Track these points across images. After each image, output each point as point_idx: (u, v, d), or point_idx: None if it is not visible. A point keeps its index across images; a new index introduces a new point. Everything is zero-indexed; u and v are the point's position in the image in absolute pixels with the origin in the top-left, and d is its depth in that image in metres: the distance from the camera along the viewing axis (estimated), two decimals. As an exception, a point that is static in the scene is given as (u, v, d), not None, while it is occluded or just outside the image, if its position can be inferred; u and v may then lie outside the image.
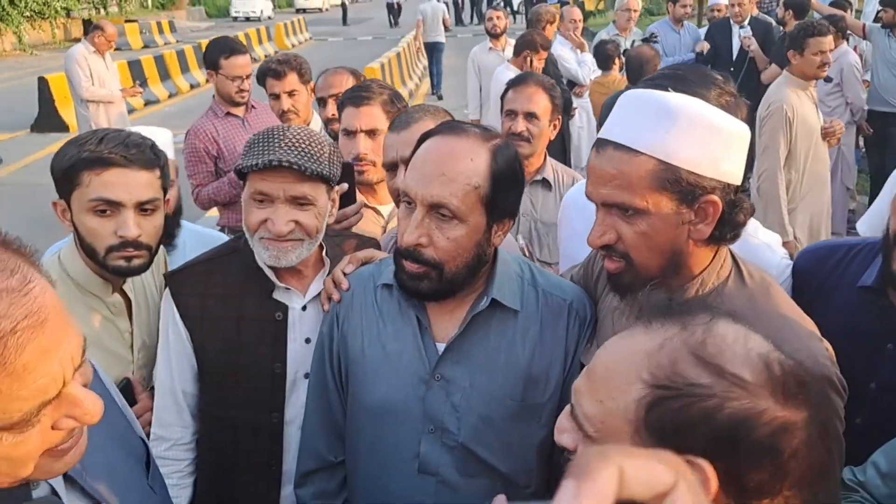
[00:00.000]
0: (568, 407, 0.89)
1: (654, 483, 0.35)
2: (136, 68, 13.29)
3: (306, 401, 1.64)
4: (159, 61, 14.61)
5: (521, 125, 2.77)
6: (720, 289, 1.31)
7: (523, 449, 1.47)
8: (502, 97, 2.93)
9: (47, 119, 11.16)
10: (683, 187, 1.20)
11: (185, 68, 15.53)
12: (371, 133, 2.25)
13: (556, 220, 2.74)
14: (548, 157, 2.93)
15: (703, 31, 7.19)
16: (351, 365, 1.53)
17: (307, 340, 1.69)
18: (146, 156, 1.66)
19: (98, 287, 1.74)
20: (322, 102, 3.10)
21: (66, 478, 0.96)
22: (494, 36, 6.59)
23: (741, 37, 6.35)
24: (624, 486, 0.34)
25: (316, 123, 3.47)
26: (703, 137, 1.20)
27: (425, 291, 1.42)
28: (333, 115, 2.89)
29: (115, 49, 19.51)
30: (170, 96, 14.25)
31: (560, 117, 2.91)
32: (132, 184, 1.63)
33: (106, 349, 1.73)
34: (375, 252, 1.74)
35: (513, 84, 2.92)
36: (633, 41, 6.32)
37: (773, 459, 0.74)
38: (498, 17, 6.65)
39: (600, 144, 1.27)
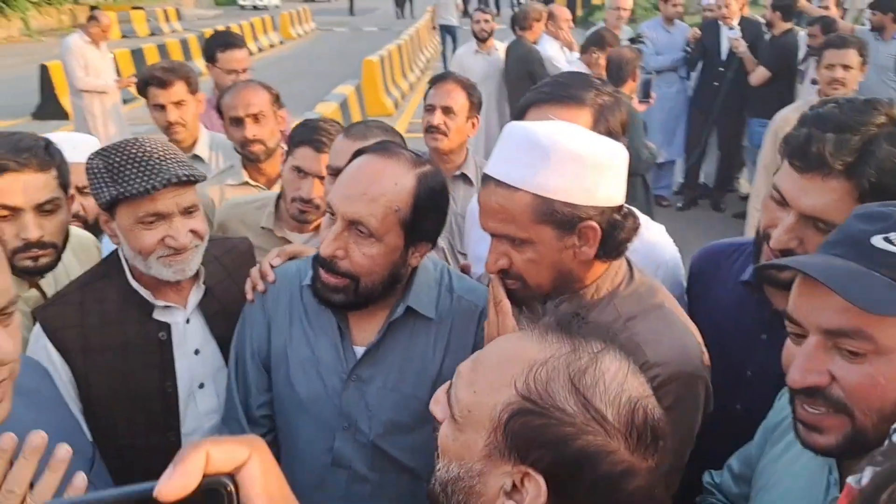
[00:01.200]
0: (449, 382, 0.96)
1: (232, 458, 0.47)
2: (138, 57, 13.37)
3: (227, 380, 1.67)
4: (162, 50, 14.70)
5: (438, 118, 2.93)
6: (614, 293, 1.40)
7: (430, 448, 1.53)
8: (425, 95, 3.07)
9: (48, 107, 11.25)
10: (561, 217, 1.29)
11: (187, 57, 15.57)
12: (323, 179, 2.20)
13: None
14: (470, 154, 3.08)
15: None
16: (274, 357, 1.59)
17: (196, 352, 1.72)
18: (39, 157, 1.68)
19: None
20: (236, 122, 2.74)
21: None
22: (482, 39, 6.50)
23: (729, 38, 6.36)
24: (210, 462, 0.46)
25: (204, 139, 3.21)
26: (575, 170, 1.28)
27: (339, 302, 1.48)
28: (255, 136, 2.70)
29: (122, 36, 19.48)
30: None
31: (478, 116, 3.05)
32: (28, 187, 1.66)
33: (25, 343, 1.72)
34: (304, 248, 1.78)
35: (434, 81, 3.08)
36: (621, 41, 6.34)
37: (609, 497, 0.82)
38: (486, 20, 6.52)
39: (485, 179, 1.36)
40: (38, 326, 1.64)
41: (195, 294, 1.73)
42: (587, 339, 0.88)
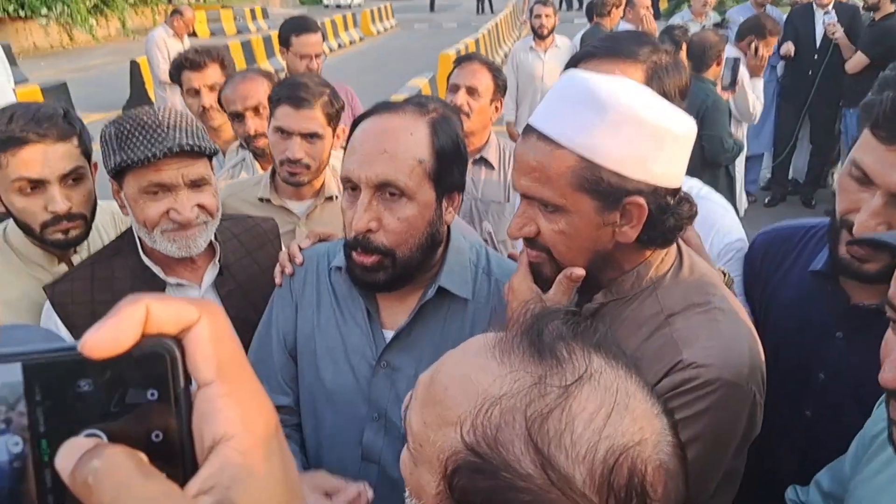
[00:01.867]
0: (414, 391, 0.80)
1: (178, 317, 0.37)
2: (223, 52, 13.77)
3: (256, 350, 1.58)
4: (246, 47, 15.08)
5: (461, 98, 2.81)
6: (657, 283, 1.22)
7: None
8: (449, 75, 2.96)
9: (138, 100, 11.68)
10: (605, 188, 1.12)
11: (270, 53, 15.95)
12: (310, 137, 2.15)
13: (499, 198, 2.72)
14: (493, 136, 2.93)
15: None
16: (301, 343, 1.50)
17: None
18: (59, 126, 1.64)
19: (42, 258, 1.75)
20: (237, 117, 2.61)
21: None
22: (540, 36, 5.84)
23: (825, 23, 5.95)
24: (151, 320, 0.37)
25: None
26: (632, 135, 1.10)
27: (381, 283, 1.37)
28: (256, 131, 2.58)
29: (210, 34, 20.16)
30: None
31: (502, 100, 2.93)
32: (51, 158, 1.61)
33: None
34: (334, 231, 1.70)
35: (459, 62, 2.97)
36: (704, 26, 6.03)
37: None
38: (547, 16, 5.82)
39: (526, 130, 1.20)
40: (47, 302, 1.61)
41: (210, 273, 1.67)
42: (563, 361, 0.66)
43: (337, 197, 2.24)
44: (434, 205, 1.35)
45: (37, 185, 1.63)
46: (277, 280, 1.57)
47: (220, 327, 0.39)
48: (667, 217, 1.15)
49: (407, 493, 0.76)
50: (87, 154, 1.71)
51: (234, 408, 0.37)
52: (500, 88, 2.91)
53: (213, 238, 1.66)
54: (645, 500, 0.63)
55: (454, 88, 2.87)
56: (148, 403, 0.37)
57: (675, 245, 1.25)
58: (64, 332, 1.57)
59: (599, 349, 0.69)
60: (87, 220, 1.72)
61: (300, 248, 1.58)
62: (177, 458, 0.37)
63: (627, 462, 0.62)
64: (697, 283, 1.22)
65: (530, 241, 1.22)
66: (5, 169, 1.61)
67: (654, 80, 1.46)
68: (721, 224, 1.63)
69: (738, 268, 1.59)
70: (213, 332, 0.38)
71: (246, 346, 1.62)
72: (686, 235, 1.27)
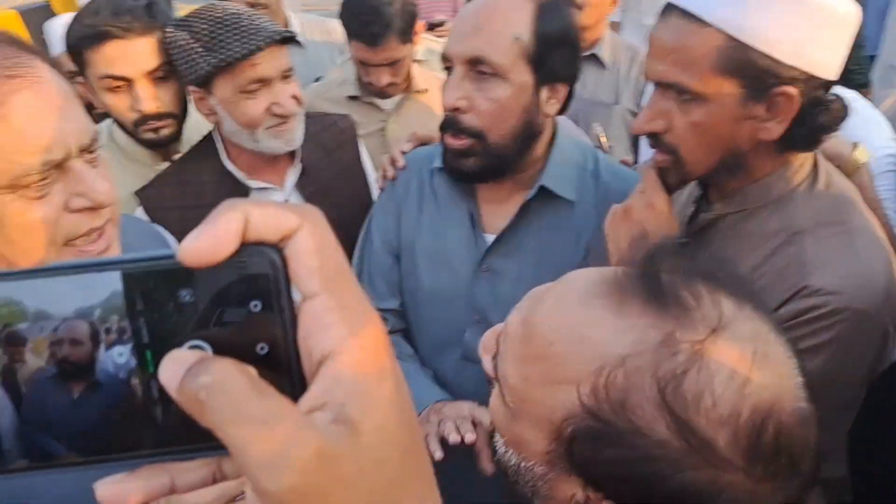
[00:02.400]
0: (501, 327, 0.72)
1: (279, 224, 0.35)
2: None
3: (353, 264, 1.57)
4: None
5: None
6: (786, 198, 1.09)
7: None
8: None
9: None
10: (753, 72, 0.99)
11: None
12: (390, 65, 2.03)
13: (608, 100, 2.54)
14: (608, 32, 2.67)
15: None
16: (404, 247, 1.49)
17: None
18: (142, 20, 1.54)
19: (145, 156, 1.70)
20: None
21: None
22: None
23: None
24: (250, 227, 0.34)
25: (294, 22, 2.73)
26: (789, 12, 0.97)
27: (471, 169, 1.31)
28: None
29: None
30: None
31: None
32: (133, 54, 1.54)
33: None
34: (435, 134, 1.64)
35: None
36: None
37: None
38: None
39: (666, 10, 1.07)
40: (140, 208, 1.58)
41: (292, 173, 1.64)
42: (691, 309, 0.58)
43: (427, 90, 2.16)
44: (532, 90, 1.27)
45: (122, 82, 1.57)
46: (380, 184, 1.55)
47: (322, 235, 0.36)
48: (818, 113, 1.02)
49: (498, 438, 0.72)
50: None
51: (342, 322, 0.34)
52: None
53: None
54: (792, 456, 0.57)
55: None
56: (252, 314, 0.36)
57: (812, 156, 1.12)
58: None
59: (724, 288, 0.60)
60: (179, 117, 1.67)
61: (402, 153, 1.54)
62: (284, 372, 0.36)
63: (773, 419, 0.56)
64: (833, 200, 1.09)
65: (656, 140, 1.11)
66: (92, 66, 1.56)
67: None
68: (872, 135, 1.47)
69: (891, 183, 1.43)
70: (316, 241, 0.35)
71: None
72: (827, 144, 1.14)
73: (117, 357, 0.35)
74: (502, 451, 0.70)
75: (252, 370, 0.34)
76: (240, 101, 1.47)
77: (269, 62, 1.44)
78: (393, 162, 1.54)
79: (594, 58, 2.63)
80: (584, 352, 0.60)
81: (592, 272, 0.65)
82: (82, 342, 0.35)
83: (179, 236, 1.55)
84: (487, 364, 0.74)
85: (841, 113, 1.05)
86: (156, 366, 0.35)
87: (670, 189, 1.15)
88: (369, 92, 2.14)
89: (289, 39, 1.48)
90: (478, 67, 1.24)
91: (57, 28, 2.16)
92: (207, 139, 1.63)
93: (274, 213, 0.35)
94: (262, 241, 0.35)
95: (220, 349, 0.35)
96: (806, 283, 1.01)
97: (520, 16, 1.24)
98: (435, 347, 1.48)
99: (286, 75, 1.49)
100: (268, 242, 0.35)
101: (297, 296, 0.36)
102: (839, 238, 1.05)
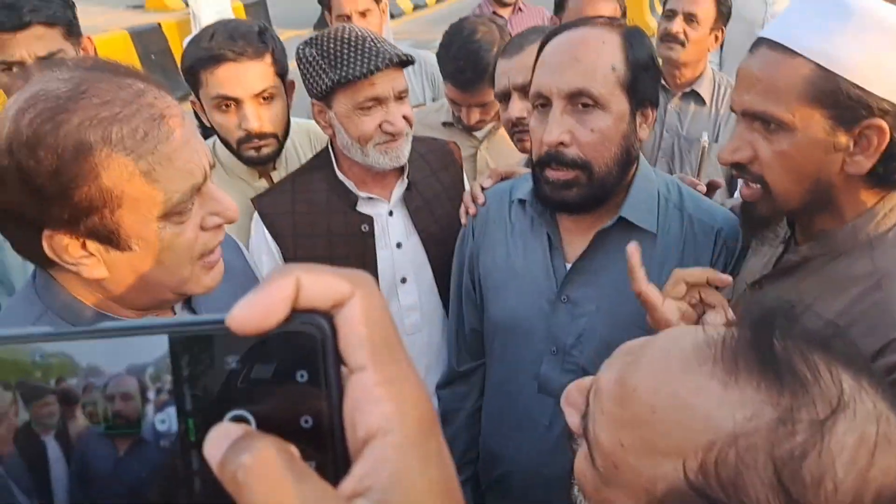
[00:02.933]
0: (588, 383, 0.70)
1: (330, 292, 0.34)
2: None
3: (450, 314, 1.67)
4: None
5: (677, 25, 2.55)
6: (877, 239, 1.06)
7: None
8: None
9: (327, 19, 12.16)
10: (843, 103, 0.98)
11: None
12: (481, 106, 2.11)
13: (705, 137, 2.50)
14: (708, 68, 2.65)
15: None
16: (483, 279, 1.53)
17: (398, 245, 1.70)
18: (254, 45, 1.66)
19: (245, 172, 1.84)
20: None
21: None
22: None
23: None
24: (302, 294, 0.34)
25: None
26: (881, 42, 0.96)
27: (574, 201, 1.32)
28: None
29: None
30: (437, 0, 14.72)
31: (723, 29, 2.60)
32: (244, 77, 1.66)
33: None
34: (516, 168, 1.69)
35: None
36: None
37: None
38: None
39: (755, 44, 1.08)
40: (256, 213, 1.71)
41: (399, 187, 1.72)
42: (808, 384, 0.54)
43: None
44: (628, 117, 1.29)
45: (232, 102, 1.69)
46: (463, 220, 1.60)
47: (374, 304, 0.35)
48: None
49: (581, 497, 0.69)
50: (281, 73, 1.76)
51: (390, 398, 0.33)
52: (723, 16, 2.64)
53: None
54: None
55: (670, 14, 2.63)
56: (298, 385, 0.35)
57: None
58: (270, 239, 1.70)
59: (840, 359, 0.56)
60: (279, 138, 1.78)
61: (482, 188, 1.59)
62: (327, 447, 0.34)
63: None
64: None
65: (743, 170, 1.11)
66: (205, 87, 1.69)
67: None
68: None
69: None
70: (368, 311, 0.34)
71: (432, 262, 1.71)
72: None
73: (160, 423, 0.35)
74: None
75: (294, 449, 0.33)
76: (355, 116, 1.58)
77: (385, 83, 1.55)
78: (474, 198, 1.59)
79: (694, 94, 2.63)
80: (691, 423, 0.56)
81: (696, 332, 0.62)
82: (131, 400, 0.34)
83: (290, 240, 1.68)
84: (573, 420, 0.71)
85: None
86: (197, 434, 0.34)
87: (760, 223, 1.14)
88: (461, 121, 2.22)
89: (406, 63, 1.58)
90: (579, 100, 1.26)
91: None
92: (321, 154, 1.75)
93: (326, 279, 0.34)
94: (313, 309, 0.34)
95: (264, 420, 0.34)
96: (891, 337, 0.98)
97: (611, 46, 1.27)
98: (510, 378, 1.49)
99: (400, 96, 1.59)
100: (319, 310, 0.34)
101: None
102: None
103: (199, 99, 1.75)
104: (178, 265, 0.93)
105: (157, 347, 0.34)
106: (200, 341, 0.35)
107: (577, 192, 1.31)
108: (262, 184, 1.88)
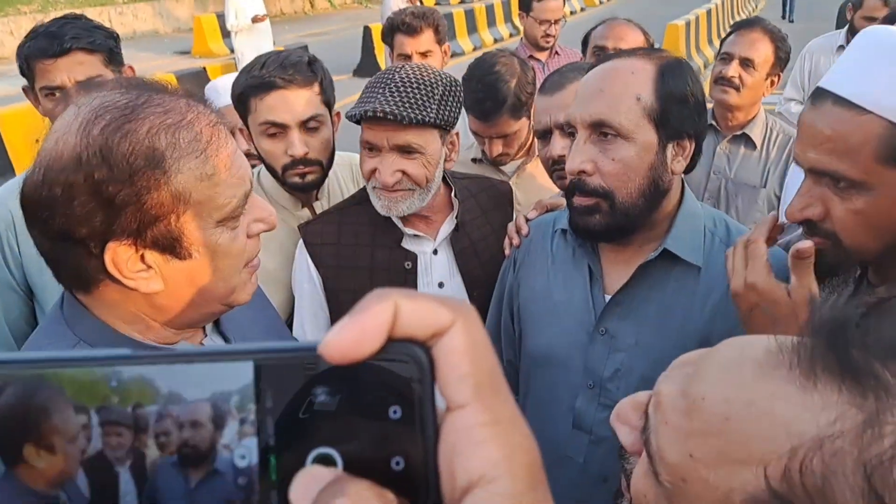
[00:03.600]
0: (644, 398, 0.68)
1: (430, 320, 0.31)
2: (447, 21, 14.20)
3: (486, 323, 1.64)
4: (469, 15, 15.38)
5: (733, 70, 2.53)
6: None
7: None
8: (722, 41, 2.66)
9: (368, 64, 12.45)
10: None
11: (491, 22, 16.16)
12: (504, 138, 2.13)
13: (754, 181, 2.49)
14: (761, 112, 2.62)
15: None
16: (522, 310, 1.50)
17: (440, 285, 1.67)
18: (303, 74, 1.69)
19: (287, 201, 1.85)
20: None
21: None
22: (854, 32, 3.85)
23: None
24: (399, 322, 0.31)
25: None
26: None
27: (597, 227, 1.30)
28: None
29: (436, 3, 20.99)
30: (474, 49, 14.97)
31: (780, 74, 2.59)
32: (293, 104, 1.68)
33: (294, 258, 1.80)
34: (561, 200, 1.64)
35: (737, 27, 2.63)
36: None
37: None
38: (876, 9, 3.75)
39: (817, 96, 1.05)
40: (301, 241, 1.72)
41: (446, 227, 1.70)
42: (890, 387, 0.52)
43: None
44: (657, 148, 1.26)
45: (279, 128, 1.71)
46: (507, 252, 1.59)
47: (476, 336, 0.32)
48: None
49: None
50: (327, 103, 1.78)
51: (496, 442, 0.30)
52: (781, 61, 2.62)
53: (453, 195, 1.71)
54: None
55: (727, 58, 2.62)
56: (390, 423, 0.32)
57: None
58: (313, 268, 1.69)
59: None
60: (324, 166, 1.79)
61: (527, 220, 1.58)
62: (420, 493, 0.31)
63: None
64: None
65: (811, 226, 1.08)
66: (254, 113, 1.71)
67: None
68: None
69: None
70: (470, 343, 0.31)
71: (473, 304, 1.66)
72: None
73: (239, 458, 0.32)
74: None
75: (391, 496, 0.30)
76: (362, 153, 1.59)
77: (379, 132, 1.52)
78: (518, 230, 1.57)
79: (745, 137, 2.61)
80: (770, 430, 0.55)
81: (766, 339, 0.60)
82: (207, 431, 0.32)
83: (332, 271, 1.66)
84: (626, 438, 0.69)
85: None
86: (279, 473, 0.32)
87: (827, 272, 1.10)
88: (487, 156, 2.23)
89: (411, 122, 1.51)
90: (601, 130, 1.25)
91: (220, 85, 2.39)
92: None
93: (426, 306, 0.32)
94: (410, 338, 0.32)
95: (352, 461, 0.32)
96: None
97: (641, 77, 1.25)
98: (544, 412, 1.44)
99: (405, 150, 1.53)
100: (416, 340, 0.32)
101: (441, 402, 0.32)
102: None
103: (247, 126, 1.77)
104: (232, 272, 0.94)
105: (241, 375, 0.32)
106: (288, 369, 0.32)
107: (599, 219, 1.29)
108: (305, 213, 1.88)
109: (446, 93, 1.53)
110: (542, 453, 1.09)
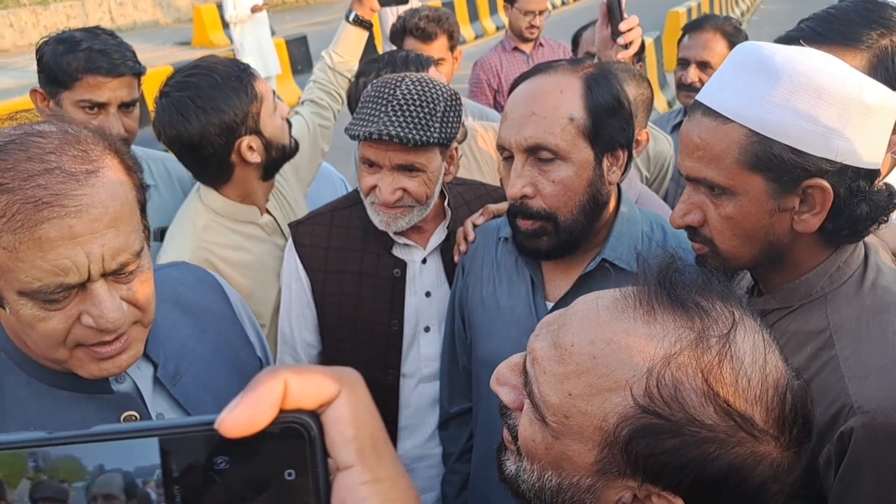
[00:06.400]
0: (519, 359, 0.78)
1: (317, 392, 0.36)
2: (448, 8, 14.13)
3: (440, 352, 1.66)
4: (470, 2, 15.31)
5: (692, 75, 2.54)
6: (832, 293, 1.05)
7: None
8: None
9: (367, 55, 12.42)
10: (779, 166, 0.98)
11: (493, 10, 16.08)
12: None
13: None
14: None
15: None
16: (470, 316, 1.52)
17: (427, 294, 1.67)
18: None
19: (247, 213, 1.80)
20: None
21: (155, 380, 1.06)
22: None
23: None
24: (289, 396, 0.35)
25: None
26: (810, 105, 0.95)
27: (545, 249, 1.33)
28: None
29: (438, -10, 20.85)
30: (475, 38, 14.91)
31: None
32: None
33: (272, 269, 1.80)
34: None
35: (687, 29, 2.61)
36: None
37: (753, 501, 0.66)
38: None
39: (692, 108, 1.09)
40: (290, 240, 1.71)
41: (437, 236, 1.70)
42: (709, 312, 0.68)
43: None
44: (593, 164, 1.28)
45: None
46: (455, 258, 1.60)
47: (360, 402, 0.36)
48: (858, 203, 0.99)
49: (527, 466, 0.76)
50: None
51: (376, 499, 0.34)
52: None
53: (446, 203, 1.70)
54: (806, 423, 0.67)
55: (683, 63, 2.60)
56: (286, 483, 0.36)
57: (862, 248, 1.08)
58: (301, 270, 1.68)
59: (720, 295, 0.71)
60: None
61: (474, 226, 1.58)
62: None
63: (789, 391, 0.66)
64: (881, 297, 1.03)
65: (693, 232, 1.11)
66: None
67: (878, 69, 1.27)
68: None
69: None
70: (354, 410, 0.36)
71: None
72: (882, 234, 1.09)
73: None
74: (535, 479, 0.75)
75: None
76: (361, 168, 1.57)
77: (380, 151, 1.50)
78: (465, 236, 1.58)
79: None
80: (629, 358, 0.66)
81: (610, 291, 0.74)
82: (117, 501, 0.35)
83: (320, 274, 1.66)
84: (507, 395, 0.79)
85: (888, 203, 1.01)
86: None
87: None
88: None
89: (410, 145, 1.49)
90: (538, 154, 1.26)
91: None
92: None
93: (314, 380, 0.36)
94: (300, 409, 0.36)
95: None
96: (844, 400, 0.97)
97: (569, 95, 1.25)
98: (495, 420, 1.44)
99: (408, 169, 1.51)
100: (305, 409, 0.36)
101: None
102: (884, 334, 0.99)
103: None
104: (43, 345, 0.92)
105: (146, 450, 0.35)
106: (190, 442, 0.36)
107: (546, 241, 1.31)
108: (267, 218, 1.86)
109: (448, 109, 1.51)
110: (489, 460, 1.10)
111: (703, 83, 2.50)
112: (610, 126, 1.27)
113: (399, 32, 2.73)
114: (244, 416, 0.34)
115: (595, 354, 0.69)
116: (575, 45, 3.01)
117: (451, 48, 2.76)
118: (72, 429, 0.36)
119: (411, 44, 2.70)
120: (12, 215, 0.82)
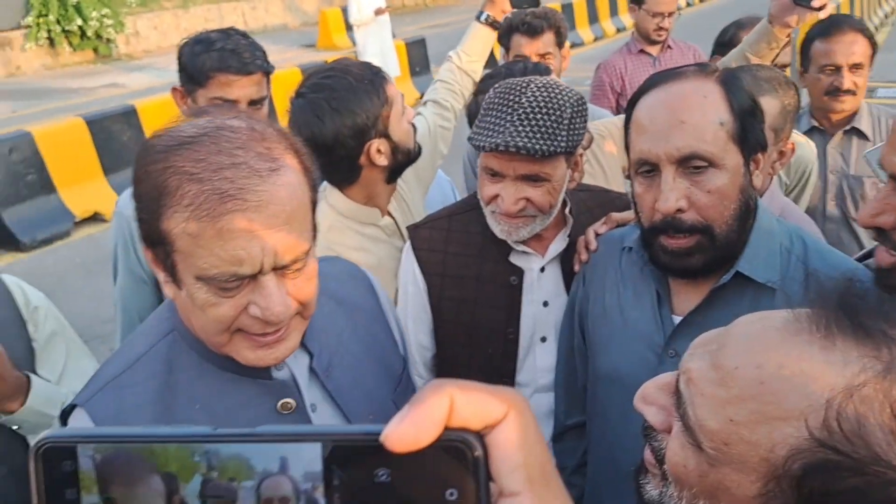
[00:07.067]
0: (670, 378, 0.73)
1: (484, 412, 0.35)
2: (567, 11, 13.96)
3: (556, 362, 1.61)
4: (590, 4, 15.06)
5: (849, 82, 2.39)
6: None
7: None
8: (805, 48, 2.48)
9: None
10: None
11: (613, 11, 15.75)
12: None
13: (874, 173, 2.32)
14: (863, 103, 2.48)
15: None
16: (589, 328, 1.46)
17: (545, 303, 1.62)
18: None
19: (369, 215, 1.82)
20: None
21: (311, 370, 1.09)
22: None
23: None
24: (455, 414, 0.34)
25: None
26: None
27: (699, 266, 1.24)
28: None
29: (554, -8, 20.66)
30: (595, 39, 14.65)
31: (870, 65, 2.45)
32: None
33: (391, 270, 1.81)
34: (632, 214, 1.56)
35: (822, 33, 2.42)
36: None
37: None
38: None
39: None
40: (408, 243, 1.71)
41: (557, 244, 1.64)
42: (894, 339, 0.61)
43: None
44: (743, 169, 1.21)
45: None
46: (576, 267, 1.54)
47: (528, 427, 0.35)
48: None
49: (675, 493, 0.71)
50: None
51: None
52: (875, 47, 2.50)
53: (567, 211, 1.65)
54: None
55: (834, 69, 2.43)
56: (447, 503, 0.35)
57: None
58: (419, 274, 1.68)
59: None
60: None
61: (596, 234, 1.53)
62: None
63: None
64: None
65: (884, 236, 1.02)
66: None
67: None
68: None
69: None
70: (524, 435, 0.35)
71: None
72: None
73: None
74: None
75: None
76: (482, 176, 1.54)
77: (505, 162, 1.46)
78: (587, 244, 1.52)
79: (855, 131, 2.51)
80: (803, 386, 0.61)
81: (779, 312, 0.68)
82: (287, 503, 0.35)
83: (438, 279, 1.65)
84: (655, 415, 0.74)
85: None
86: None
87: None
88: None
89: (542, 154, 1.46)
90: (690, 163, 1.19)
91: None
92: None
93: (480, 398, 0.35)
94: (465, 428, 0.35)
95: None
96: None
97: (713, 99, 1.19)
98: (618, 433, 1.38)
99: (532, 179, 1.48)
100: (471, 429, 0.35)
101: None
102: None
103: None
104: (209, 328, 0.96)
105: (309, 455, 0.35)
106: (354, 451, 0.35)
107: (699, 258, 1.23)
108: (388, 220, 1.88)
109: (574, 115, 1.46)
110: (612, 474, 1.08)
111: (857, 85, 2.41)
112: (754, 128, 1.21)
113: (506, 30, 2.71)
114: (409, 431, 0.34)
115: (763, 379, 0.64)
116: (721, 45, 2.87)
117: (559, 44, 2.74)
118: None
119: (518, 40, 2.69)
120: (199, 204, 0.87)
